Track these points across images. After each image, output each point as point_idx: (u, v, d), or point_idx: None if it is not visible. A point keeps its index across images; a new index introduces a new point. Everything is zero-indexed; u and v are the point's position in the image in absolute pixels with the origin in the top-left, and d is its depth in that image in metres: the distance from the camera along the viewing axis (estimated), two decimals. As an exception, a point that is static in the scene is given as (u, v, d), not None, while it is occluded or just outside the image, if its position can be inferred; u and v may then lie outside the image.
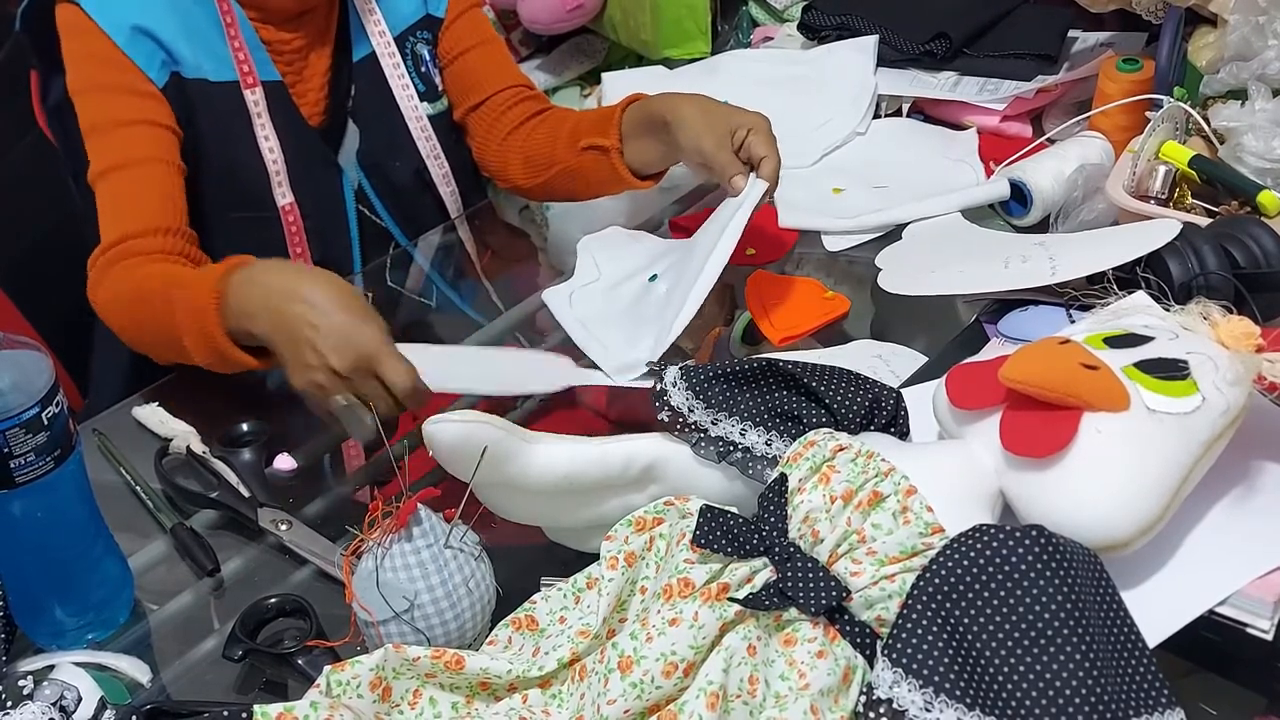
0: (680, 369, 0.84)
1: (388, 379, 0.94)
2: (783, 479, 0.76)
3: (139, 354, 1.33)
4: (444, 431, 0.79)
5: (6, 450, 0.77)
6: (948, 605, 0.67)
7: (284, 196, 1.26)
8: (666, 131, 1.19)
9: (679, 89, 1.24)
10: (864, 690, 0.68)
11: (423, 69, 1.36)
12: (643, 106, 1.23)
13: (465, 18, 1.38)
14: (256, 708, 0.70)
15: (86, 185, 1.22)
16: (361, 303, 0.98)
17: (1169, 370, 0.78)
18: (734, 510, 0.76)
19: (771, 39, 1.74)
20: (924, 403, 0.85)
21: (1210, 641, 0.78)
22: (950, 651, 0.66)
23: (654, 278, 1.20)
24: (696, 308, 1.07)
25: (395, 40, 1.33)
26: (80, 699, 0.78)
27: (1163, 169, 1.19)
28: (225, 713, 0.70)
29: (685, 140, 1.17)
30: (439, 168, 1.38)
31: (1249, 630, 0.77)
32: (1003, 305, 1.11)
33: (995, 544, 0.67)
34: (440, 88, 1.38)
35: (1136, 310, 0.87)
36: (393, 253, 1.37)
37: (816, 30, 1.65)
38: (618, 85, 1.63)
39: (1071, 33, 1.57)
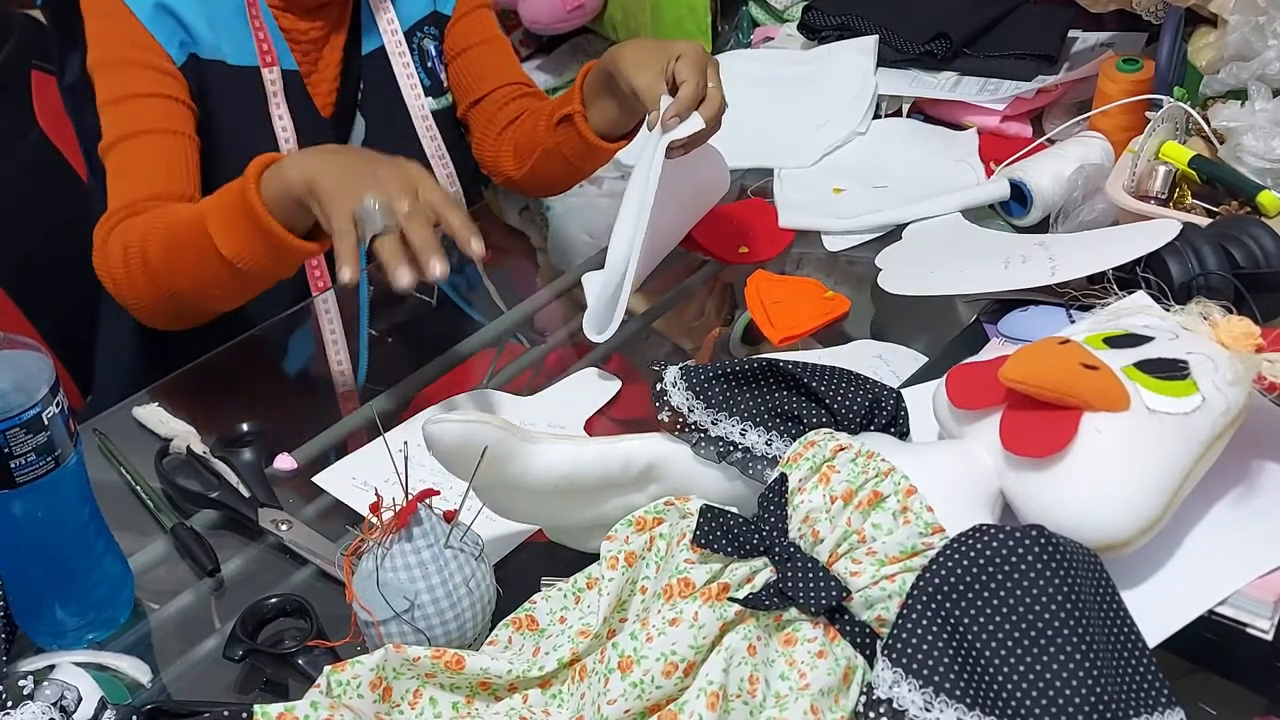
0: (680, 369, 0.84)
1: (424, 194, 0.98)
2: (783, 479, 0.76)
3: (140, 354, 1.34)
4: (444, 431, 0.79)
5: (7, 450, 0.77)
6: (948, 605, 0.67)
7: None
8: (615, 82, 1.17)
9: (678, 89, 1.24)
10: (864, 690, 0.68)
11: (429, 64, 1.36)
12: (597, 64, 1.21)
13: (472, 15, 1.39)
14: (257, 708, 0.70)
15: (100, 164, 1.22)
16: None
17: (1169, 370, 0.78)
18: (734, 510, 0.76)
19: (772, 39, 1.74)
20: (924, 403, 0.85)
21: (1210, 641, 0.78)
22: (950, 651, 0.66)
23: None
24: (634, 282, 1.09)
25: (404, 35, 1.34)
26: (80, 699, 0.78)
27: (1163, 169, 1.19)
28: (225, 713, 0.70)
29: (624, 83, 1.14)
30: (442, 164, 1.38)
31: (1249, 630, 0.77)
32: (1003, 305, 1.11)
33: (995, 544, 0.67)
34: (445, 84, 1.39)
35: (1136, 310, 0.87)
36: None
37: (816, 30, 1.66)
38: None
39: (1071, 33, 1.57)
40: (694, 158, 1.16)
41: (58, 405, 0.79)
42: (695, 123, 1.10)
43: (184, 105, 1.21)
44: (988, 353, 1.04)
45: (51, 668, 0.83)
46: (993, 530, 0.68)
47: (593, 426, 1.06)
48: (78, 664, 0.84)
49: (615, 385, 1.11)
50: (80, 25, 1.21)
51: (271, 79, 1.24)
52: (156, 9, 1.19)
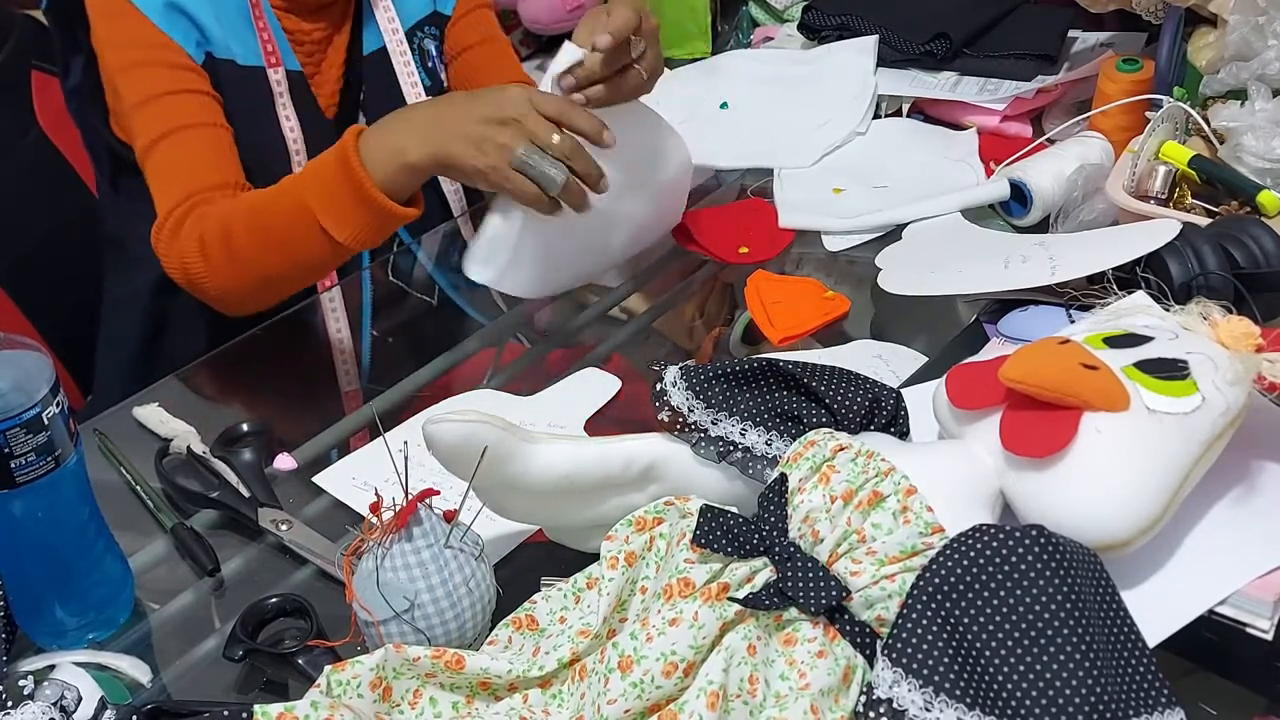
0: (680, 369, 0.84)
1: (542, 108, 1.03)
2: (783, 479, 0.76)
3: (140, 354, 1.34)
4: (444, 432, 0.79)
5: (7, 450, 0.77)
6: (948, 605, 0.67)
7: None
8: None
9: (679, 89, 1.24)
10: (864, 690, 0.68)
11: (429, 64, 1.37)
12: None
13: (472, 15, 1.39)
14: (257, 707, 0.70)
15: (108, 170, 1.22)
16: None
17: (1169, 370, 0.78)
18: (734, 510, 0.76)
19: (771, 39, 1.74)
20: (924, 403, 0.85)
21: (1210, 641, 0.78)
22: (950, 651, 0.66)
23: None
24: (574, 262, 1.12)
25: (405, 35, 1.34)
26: (80, 699, 0.78)
27: (1163, 169, 1.19)
28: (225, 713, 0.70)
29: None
30: None
31: (1249, 630, 0.77)
32: (1003, 305, 1.11)
33: (995, 544, 0.67)
34: (445, 84, 1.39)
35: (1136, 310, 0.87)
36: (397, 249, 1.38)
37: (816, 30, 1.66)
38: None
39: (1071, 33, 1.57)
40: (634, 125, 1.13)
41: (58, 405, 0.79)
42: (571, 53, 1.07)
43: (212, 98, 1.21)
44: (988, 353, 1.04)
45: (51, 667, 0.83)
46: (993, 530, 0.68)
47: (593, 426, 1.06)
48: (78, 664, 0.84)
49: (615, 385, 1.11)
50: (84, 28, 1.21)
51: (277, 79, 1.24)
52: (167, 8, 1.19)
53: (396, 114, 1.10)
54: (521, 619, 0.81)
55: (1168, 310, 0.85)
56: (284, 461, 1.04)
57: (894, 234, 1.29)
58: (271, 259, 1.12)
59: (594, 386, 1.11)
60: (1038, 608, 0.65)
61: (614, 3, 1.09)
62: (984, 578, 0.67)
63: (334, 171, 1.07)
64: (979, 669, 0.65)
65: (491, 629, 0.82)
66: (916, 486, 0.72)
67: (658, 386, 0.83)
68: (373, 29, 1.33)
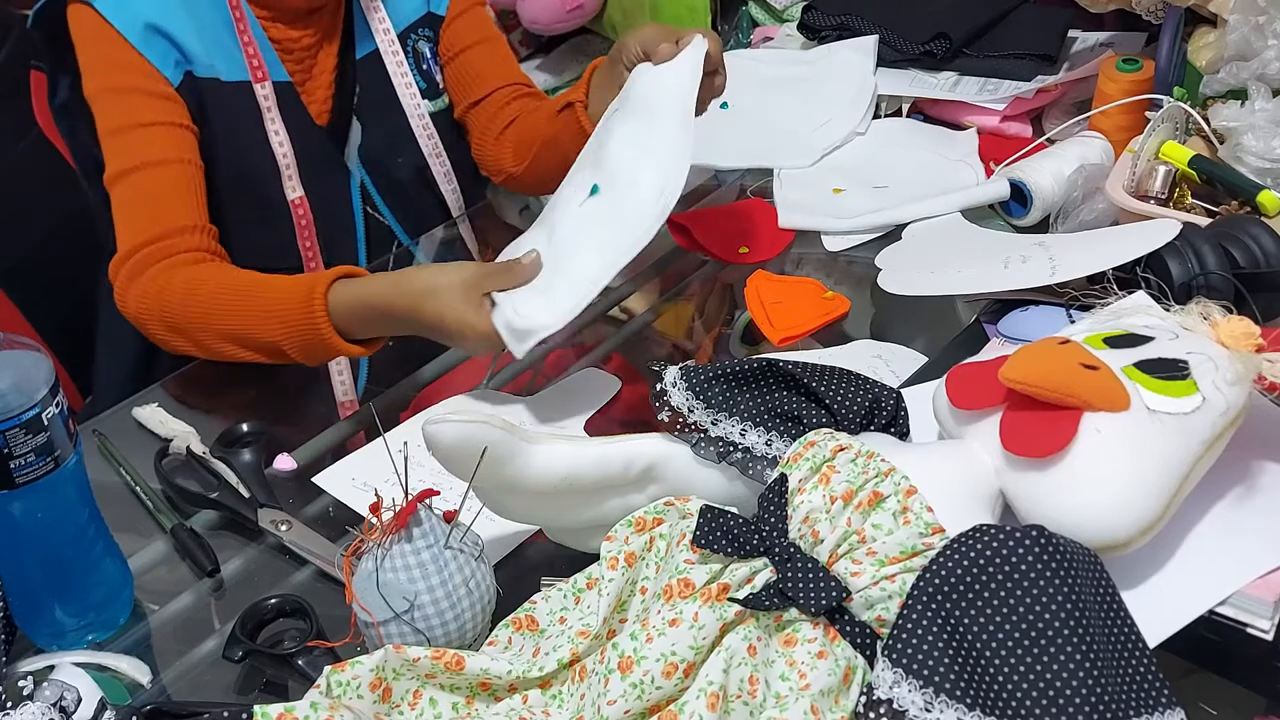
0: (680, 369, 0.84)
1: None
2: (783, 479, 0.76)
3: (141, 355, 1.34)
4: (444, 432, 0.79)
5: (6, 451, 0.77)
6: (948, 605, 0.67)
7: (294, 191, 1.26)
8: (619, 70, 1.14)
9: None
10: (864, 690, 0.68)
11: (424, 66, 1.36)
12: (608, 55, 1.19)
13: (467, 15, 1.39)
14: (257, 708, 0.70)
15: (99, 184, 1.22)
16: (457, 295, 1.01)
17: (1169, 370, 0.78)
18: (734, 510, 0.76)
19: (771, 39, 1.74)
20: (924, 403, 0.85)
21: (1210, 641, 0.78)
22: (950, 651, 0.66)
23: (595, 190, 1.06)
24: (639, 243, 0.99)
25: (398, 38, 1.34)
26: (80, 699, 0.78)
27: (1163, 169, 1.19)
28: (225, 713, 0.70)
29: (627, 56, 1.12)
30: (440, 165, 1.38)
31: (1249, 630, 0.77)
32: (1003, 305, 1.11)
33: (995, 544, 0.67)
34: (441, 85, 1.38)
35: (1136, 310, 0.87)
36: (395, 251, 1.38)
37: (816, 30, 1.66)
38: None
39: (1071, 33, 1.57)
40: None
41: (57, 405, 0.79)
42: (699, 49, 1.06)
43: (185, 129, 1.20)
44: (988, 353, 1.04)
45: (51, 668, 0.83)
46: (993, 530, 0.68)
47: (593, 426, 1.06)
48: (77, 664, 0.84)
49: (615, 385, 1.11)
50: (68, 46, 1.20)
51: (264, 94, 1.23)
52: (147, 30, 1.18)
53: (375, 302, 1.05)
54: (521, 619, 0.81)
55: (1168, 310, 0.85)
56: (284, 462, 1.04)
57: (894, 234, 1.29)
58: (221, 355, 1.12)
59: (594, 386, 1.11)
60: (1038, 608, 0.65)
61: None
62: (984, 578, 0.67)
63: (307, 331, 1.06)
64: (979, 669, 0.65)
65: (491, 629, 0.82)
66: (916, 487, 0.72)
67: (658, 386, 0.83)
68: (365, 32, 1.32)
